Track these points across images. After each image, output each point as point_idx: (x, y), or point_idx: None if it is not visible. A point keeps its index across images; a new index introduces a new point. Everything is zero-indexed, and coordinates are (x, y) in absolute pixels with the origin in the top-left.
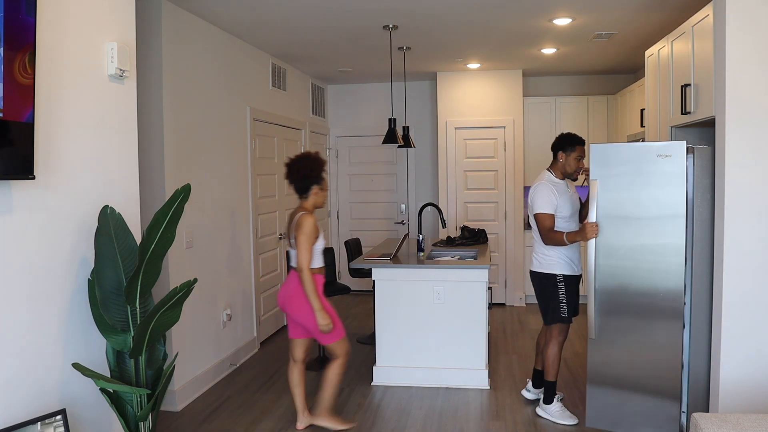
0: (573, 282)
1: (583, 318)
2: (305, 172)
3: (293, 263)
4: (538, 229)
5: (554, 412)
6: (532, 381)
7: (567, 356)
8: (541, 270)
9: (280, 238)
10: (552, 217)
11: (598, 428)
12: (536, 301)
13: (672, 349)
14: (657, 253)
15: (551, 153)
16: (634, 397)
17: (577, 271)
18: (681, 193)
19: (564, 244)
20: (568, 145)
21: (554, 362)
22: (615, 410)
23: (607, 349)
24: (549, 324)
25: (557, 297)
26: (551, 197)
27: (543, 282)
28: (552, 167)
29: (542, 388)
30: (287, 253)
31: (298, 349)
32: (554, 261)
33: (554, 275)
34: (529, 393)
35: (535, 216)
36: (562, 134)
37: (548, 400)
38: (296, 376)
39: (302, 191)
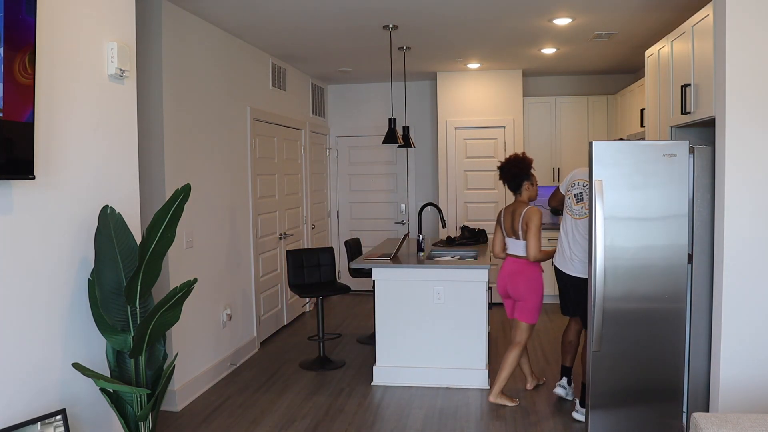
0: None
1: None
2: (515, 171)
3: (511, 251)
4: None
5: None
6: (566, 378)
7: None
8: (585, 276)
9: (281, 238)
10: None
11: None
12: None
13: (674, 351)
14: (662, 255)
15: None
16: (637, 409)
17: None
18: (684, 193)
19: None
20: None
21: None
22: (619, 425)
23: (609, 361)
24: None
25: None
26: None
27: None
28: None
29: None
30: (503, 242)
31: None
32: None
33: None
34: (564, 390)
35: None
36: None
37: (585, 403)
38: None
39: (515, 188)
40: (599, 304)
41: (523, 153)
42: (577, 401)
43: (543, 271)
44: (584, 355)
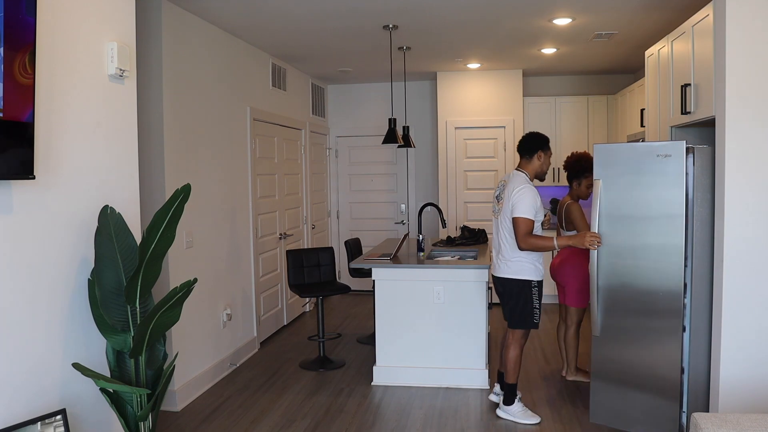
0: (541, 287)
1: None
2: (578, 168)
3: None
4: (516, 233)
5: (516, 412)
6: (500, 384)
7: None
8: (513, 276)
9: (281, 238)
10: (532, 223)
11: (600, 424)
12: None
13: (672, 349)
14: (657, 253)
15: (522, 156)
16: (636, 395)
17: (542, 276)
18: (681, 193)
19: (549, 249)
20: (546, 144)
21: (516, 365)
22: (617, 407)
23: (610, 346)
24: (516, 328)
25: (531, 303)
26: (535, 203)
27: (515, 288)
28: (525, 168)
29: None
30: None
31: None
32: (526, 267)
33: (529, 281)
34: (497, 397)
35: (516, 220)
36: (537, 133)
37: (509, 401)
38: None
39: (569, 183)
40: (594, 295)
41: (584, 152)
42: (497, 386)
43: (588, 259)
44: (505, 352)
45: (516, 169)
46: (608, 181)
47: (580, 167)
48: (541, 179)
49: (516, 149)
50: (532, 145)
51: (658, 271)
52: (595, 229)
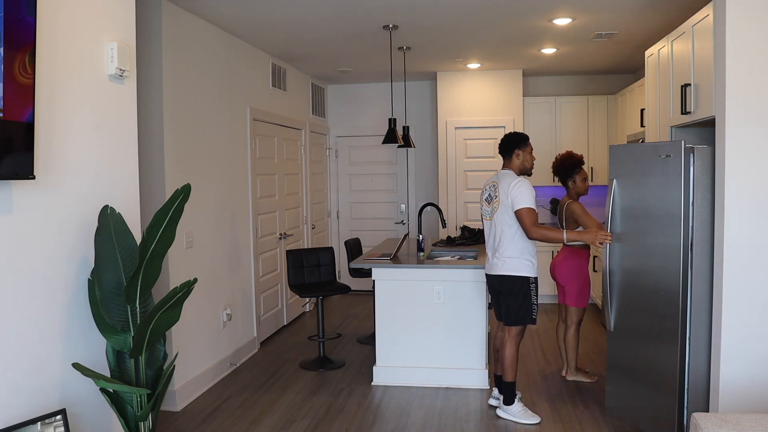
0: (537, 284)
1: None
2: (558, 170)
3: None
4: (524, 224)
5: (516, 412)
6: (497, 387)
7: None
8: (512, 273)
9: (281, 238)
10: (536, 212)
11: (607, 421)
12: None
13: (673, 349)
14: (659, 253)
15: (503, 157)
16: (641, 391)
17: (537, 272)
18: (681, 193)
19: (558, 241)
20: (522, 141)
21: (513, 363)
22: (627, 401)
23: (621, 341)
24: (514, 325)
25: (529, 299)
26: (533, 194)
27: (515, 286)
28: (509, 167)
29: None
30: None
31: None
32: (525, 264)
33: (527, 278)
34: (496, 401)
35: (520, 212)
36: (513, 133)
37: (509, 401)
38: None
39: (564, 184)
40: (607, 291)
41: (567, 152)
42: (495, 390)
43: (588, 259)
44: (502, 351)
45: (502, 169)
46: (621, 181)
47: (567, 166)
48: (528, 174)
49: (498, 152)
50: (508, 145)
51: (659, 270)
52: (608, 226)
